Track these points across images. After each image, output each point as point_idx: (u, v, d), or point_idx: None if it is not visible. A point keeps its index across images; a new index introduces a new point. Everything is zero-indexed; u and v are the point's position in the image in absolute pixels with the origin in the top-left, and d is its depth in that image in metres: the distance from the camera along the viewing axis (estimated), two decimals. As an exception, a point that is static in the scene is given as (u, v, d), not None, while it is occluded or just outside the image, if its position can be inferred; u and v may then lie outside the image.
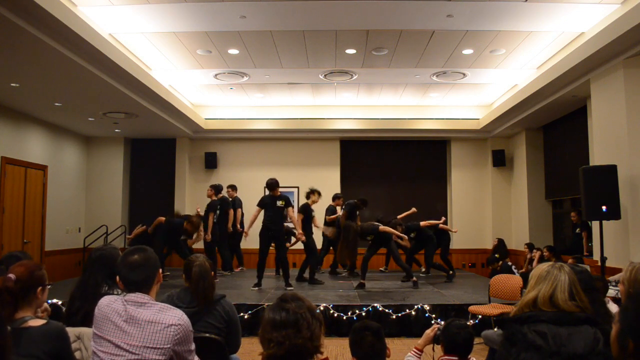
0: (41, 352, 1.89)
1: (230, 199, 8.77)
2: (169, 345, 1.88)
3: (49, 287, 2.20)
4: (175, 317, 1.93)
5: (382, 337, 2.33)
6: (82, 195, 10.37)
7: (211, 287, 2.77)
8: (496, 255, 9.35)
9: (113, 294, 2.58)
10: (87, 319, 2.56)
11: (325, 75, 8.18)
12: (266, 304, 5.90)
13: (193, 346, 2.00)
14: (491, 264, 9.39)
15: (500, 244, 9.55)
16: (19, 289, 1.98)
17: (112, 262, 2.71)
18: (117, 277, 2.06)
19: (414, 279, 7.32)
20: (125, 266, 2.01)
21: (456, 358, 2.55)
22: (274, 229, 6.99)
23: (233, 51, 7.03)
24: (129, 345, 1.87)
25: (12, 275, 1.98)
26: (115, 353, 1.88)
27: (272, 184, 7.06)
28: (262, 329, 1.71)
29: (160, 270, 2.10)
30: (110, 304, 1.97)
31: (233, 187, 9.03)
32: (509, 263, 8.93)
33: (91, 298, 2.58)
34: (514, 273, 7.91)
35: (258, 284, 7.03)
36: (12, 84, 6.66)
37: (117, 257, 2.73)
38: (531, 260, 8.53)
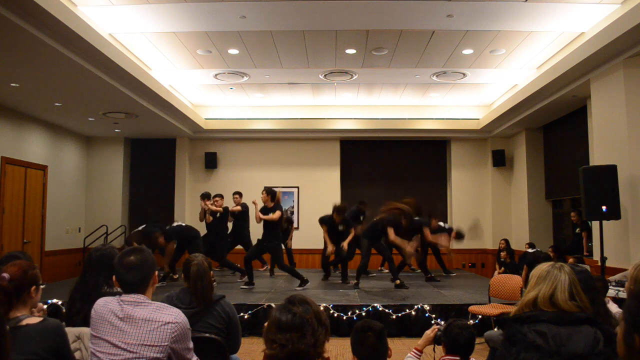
0: (40, 349, 1.89)
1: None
2: (166, 343, 1.88)
3: (43, 287, 2.20)
4: (172, 315, 1.94)
5: (385, 337, 2.31)
6: (82, 195, 10.37)
7: (210, 287, 2.76)
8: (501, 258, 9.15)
9: (115, 293, 2.59)
10: (87, 320, 2.56)
11: (325, 75, 8.18)
12: (266, 304, 5.90)
13: (191, 344, 2.01)
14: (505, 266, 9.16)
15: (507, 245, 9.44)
16: (13, 288, 1.98)
17: (113, 262, 2.71)
18: (114, 277, 2.07)
19: (398, 282, 7.20)
20: (122, 267, 2.03)
21: (458, 358, 2.54)
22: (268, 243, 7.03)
23: (233, 51, 7.03)
24: (127, 344, 1.87)
25: (5, 275, 1.98)
26: (113, 352, 1.88)
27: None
28: (267, 328, 1.70)
29: (156, 273, 2.10)
30: (106, 304, 1.98)
31: (239, 194, 8.82)
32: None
33: (92, 299, 2.58)
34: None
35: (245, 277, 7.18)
36: (12, 84, 6.66)
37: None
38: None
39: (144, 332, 1.89)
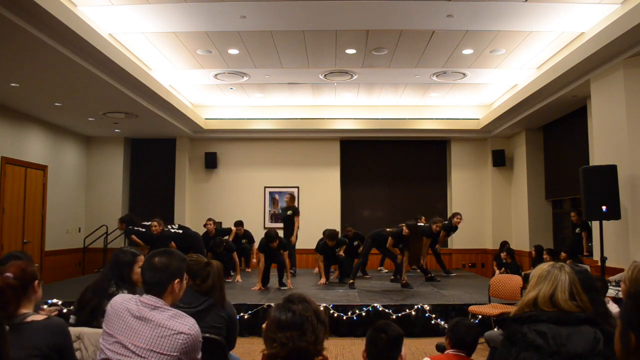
0: (44, 345, 1.93)
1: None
2: (175, 353, 1.85)
3: (42, 281, 2.27)
4: (187, 325, 1.90)
5: (399, 344, 2.28)
6: (82, 195, 10.37)
7: (221, 291, 2.89)
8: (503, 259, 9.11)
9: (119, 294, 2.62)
10: (94, 314, 2.64)
11: (325, 75, 8.18)
12: (266, 304, 5.90)
13: (200, 355, 1.98)
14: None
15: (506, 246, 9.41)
16: (19, 285, 2.02)
17: (124, 266, 2.82)
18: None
19: (405, 280, 7.29)
20: (146, 264, 2.03)
21: (463, 354, 2.65)
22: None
23: (233, 51, 7.03)
24: (136, 347, 1.85)
25: (9, 274, 2.02)
26: (122, 353, 1.87)
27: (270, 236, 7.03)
28: (267, 328, 1.70)
29: (177, 281, 2.02)
30: (123, 302, 1.97)
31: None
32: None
33: (99, 295, 2.72)
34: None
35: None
36: (12, 84, 6.66)
37: (132, 262, 2.84)
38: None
39: (155, 337, 1.86)
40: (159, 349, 1.84)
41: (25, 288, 2.06)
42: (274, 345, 1.64)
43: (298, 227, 8.73)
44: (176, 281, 2.02)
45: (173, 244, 7.66)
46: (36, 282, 2.13)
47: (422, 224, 8.66)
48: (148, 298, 1.96)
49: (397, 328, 2.33)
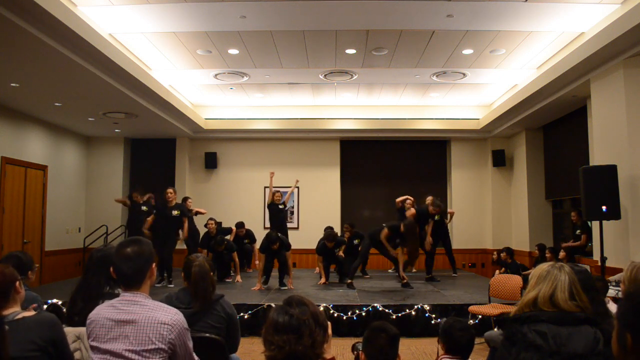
0: (38, 338, 1.98)
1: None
2: (164, 346, 1.87)
3: (23, 278, 2.33)
4: (168, 315, 1.91)
5: (397, 343, 2.29)
6: (82, 195, 10.37)
7: (211, 287, 2.76)
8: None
9: (114, 294, 2.59)
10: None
11: (325, 75, 8.18)
12: (266, 304, 5.90)
13: (190, 343, 1.99)
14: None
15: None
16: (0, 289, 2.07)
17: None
18: (111, 269, 2.03)
19: (405, 280, 7.29)
20: (118, 257, 1.99)
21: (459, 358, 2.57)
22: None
23: (233, 51, 7.03)
24: (127, 352, 1.85)
25: None
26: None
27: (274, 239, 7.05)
28: (265, 330, 1.71)
29: (154, 265, 2.06)
30: (101, 312, 1.95)
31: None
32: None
33: (94, 299, 2.59)
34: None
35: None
36: (12, 84, 6.66)
37: None
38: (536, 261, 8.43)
39: (141, 336, 1.86)
40: (148, 345, 1.85)
41: (8, 290, 2.09)
42: (271, 348, 1.65)
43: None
44: (153, 266, 2.05)
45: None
46: (18, 282, 2.14)
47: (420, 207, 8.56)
48: (127, 295, 1.95)
49: (393, 327, 2.34)
